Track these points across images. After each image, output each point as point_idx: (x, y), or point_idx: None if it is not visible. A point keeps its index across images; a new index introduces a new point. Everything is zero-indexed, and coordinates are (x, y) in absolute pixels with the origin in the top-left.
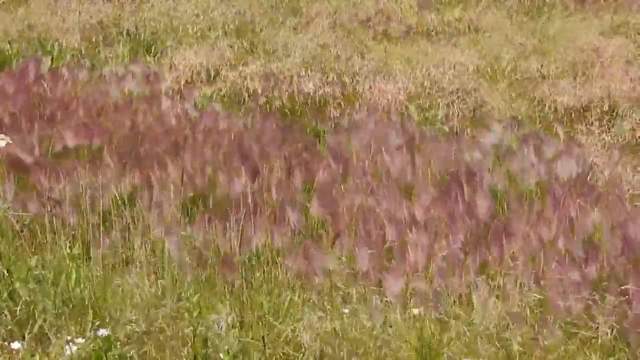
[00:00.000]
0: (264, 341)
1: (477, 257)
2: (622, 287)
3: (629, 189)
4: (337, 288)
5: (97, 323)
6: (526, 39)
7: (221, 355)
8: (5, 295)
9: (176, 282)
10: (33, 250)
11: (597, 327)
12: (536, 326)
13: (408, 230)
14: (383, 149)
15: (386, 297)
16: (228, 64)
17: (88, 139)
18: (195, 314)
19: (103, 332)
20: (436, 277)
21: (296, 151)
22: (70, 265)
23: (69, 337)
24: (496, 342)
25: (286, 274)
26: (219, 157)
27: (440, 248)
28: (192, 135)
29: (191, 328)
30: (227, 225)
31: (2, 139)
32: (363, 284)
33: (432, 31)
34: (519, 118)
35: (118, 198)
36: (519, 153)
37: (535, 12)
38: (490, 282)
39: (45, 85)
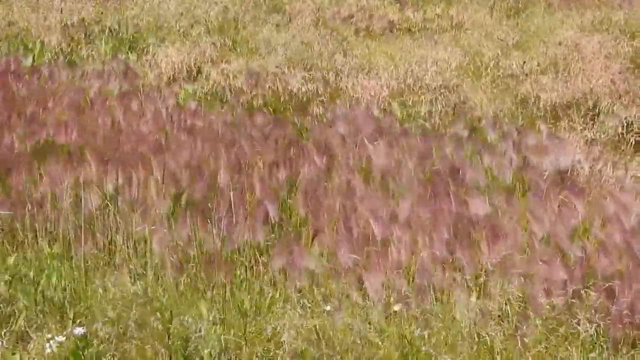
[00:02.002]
0: (245, 339)
1: (459, 254)
2: (605, 284)
3: (610, 185)
4: (318, 285)
5: (77, 321)
6: (508, 35)
7: (202, 353)
8: None
9: (158, 280)
10: (14, 248)
11: (579, 323)
12: (517, 322)
13: (390, 227)
14: (366, 146)
15: (367, 294)
16: (210, 61)
17: (69, 136)
18: (176, 312)
19: (80, 330)
20: (417, 274)
21: (280, 148)
22: (51, 263)
23: (49, 335)
24: (477, 339)
25: (268, 271)
26: (201, 154)
27: (422, 245)
28: (174, 133)
29: (172, 326)
30: (209, 222)
31: None
32: (344, 281)
33: (415, 28)
34: (502, 115)
35: (99, 197)
36: (502, 149)
37: (517, 9)
38: (471, 278)
39: (27, 83)
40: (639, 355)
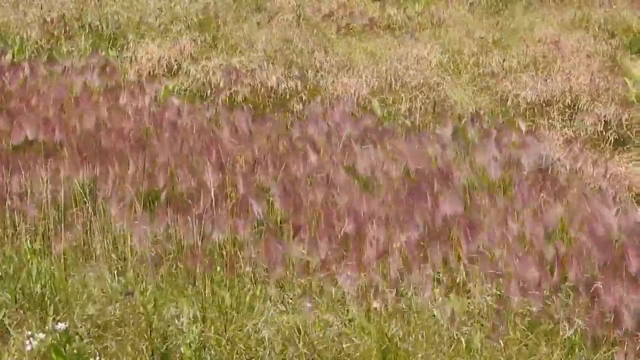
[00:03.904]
0: (225, 336)
1: (438, 251)
2: (585, 283)
3: (589, 183)
4: (297, 282)
5: (58, 318)
6: (488, 33)
7: (182, 349)
8: None
9: (138, 276)
10: None
11: (557, 323)
12: (495, 321)
13: (369, 224)
14: (345, 144)
15: (347, 291)
16: (191, 57)
17: (49, 132)
18: (156, 309)
19: (61, 325)
20: (395, 271)
21: (260, 144)
22: (31, 259)
23: (29, 332)
24: (456, 337)
25: (248, 267)
26: (181, 150)
27: (400, 241)
28: (154, 129)
29: (152, 323)
30: (189, 218)
31: None
32: (322, 278)
33: (395, 25)
34: (482, 112)
35: (79, 192)
36: (482, 147)
37: (498, 7)
38: (450, 276)
39: (6, 79)
40: (619, 353)
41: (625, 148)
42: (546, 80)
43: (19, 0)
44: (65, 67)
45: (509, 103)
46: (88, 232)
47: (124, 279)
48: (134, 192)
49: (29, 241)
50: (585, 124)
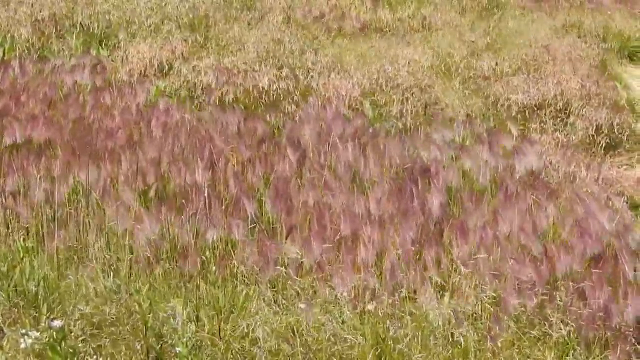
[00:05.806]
0: (220, 336)
1: (432, 253)
2: (577, 285)
3: (582, 187)
4: (291, 282)
5: (53, 316)
6: (479, 36)
7: (179, 348)
8: None
9: (131, 275)
10: None
11: (551, 325)
12: (490, 323)
13: (362, 226)
14: (337, 144)
15: (341, 293)
16: (181, 57)
17: (41, 131)
18: (149, 309)
19: (58, 323)
20: (389, 273)
21: (253, 144)
22: (24, 258)
23: (23, 330)
24: (450, 339)
25: (241, 267)
26: (174, 150)
27: (394, 244)
28: (145, 128)
29: (147, 322)
30: (183, 218)
31: None
32: (316, 279)
33: (386, 28)
34: (473, 115)
35: (72, 191)
36: (473, 150)
37: (489, 11)
38: (444, 278)
39: None
40: (612, 356)
41: (616, 152)
42: (537, 83)
43: None
44: (56, 65)
45: (500, 106)
46: (81, 230)
47: (118, 279)
48: (128, 191)
49: (22, 239)
50: (577, 127)
